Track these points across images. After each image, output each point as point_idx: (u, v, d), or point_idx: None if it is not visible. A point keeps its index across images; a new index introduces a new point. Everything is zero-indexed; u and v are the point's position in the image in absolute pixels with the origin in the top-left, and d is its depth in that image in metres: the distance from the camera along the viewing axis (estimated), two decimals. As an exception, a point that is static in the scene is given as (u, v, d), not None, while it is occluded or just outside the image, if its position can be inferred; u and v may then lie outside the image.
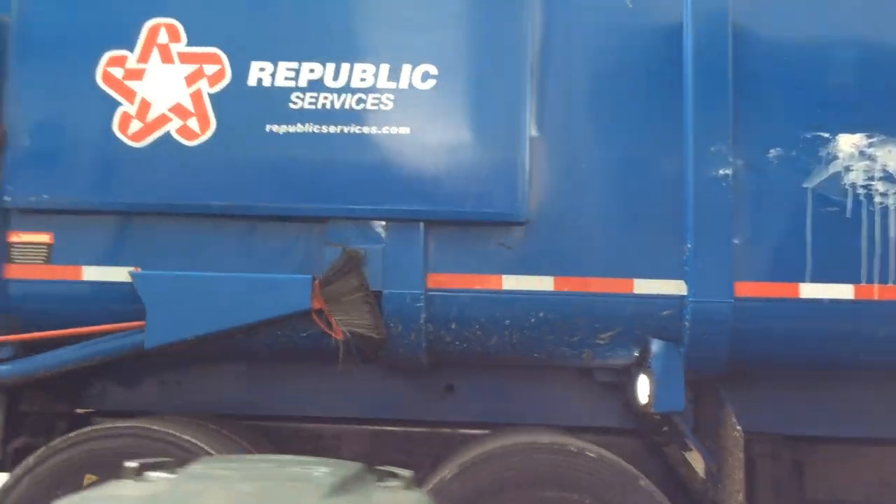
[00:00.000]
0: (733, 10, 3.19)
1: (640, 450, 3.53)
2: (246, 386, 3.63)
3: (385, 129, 3.15)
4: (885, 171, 3.16)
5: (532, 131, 3.16)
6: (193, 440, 3.07)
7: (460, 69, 3.18)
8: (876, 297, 3.11)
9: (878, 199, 3.15)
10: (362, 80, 3.16)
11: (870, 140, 3.16)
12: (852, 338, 3.19)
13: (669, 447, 3.48)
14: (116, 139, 3.17)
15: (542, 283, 3.18)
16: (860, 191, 3.15)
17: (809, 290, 3.15)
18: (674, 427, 3.35)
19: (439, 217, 3.16)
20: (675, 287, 3.15)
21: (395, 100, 3.16)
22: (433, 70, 3.16)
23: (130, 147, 3.17)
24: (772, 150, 3.18)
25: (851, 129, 3.16)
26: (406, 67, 3.16)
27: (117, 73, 3.18)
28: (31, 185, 3.19)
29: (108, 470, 2.75)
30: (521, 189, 3.13)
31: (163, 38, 3.20)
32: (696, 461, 3.48)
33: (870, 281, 3.13)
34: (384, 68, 3.16)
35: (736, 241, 3.13)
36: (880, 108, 3.18)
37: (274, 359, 3.45)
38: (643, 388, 3.23)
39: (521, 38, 3.17)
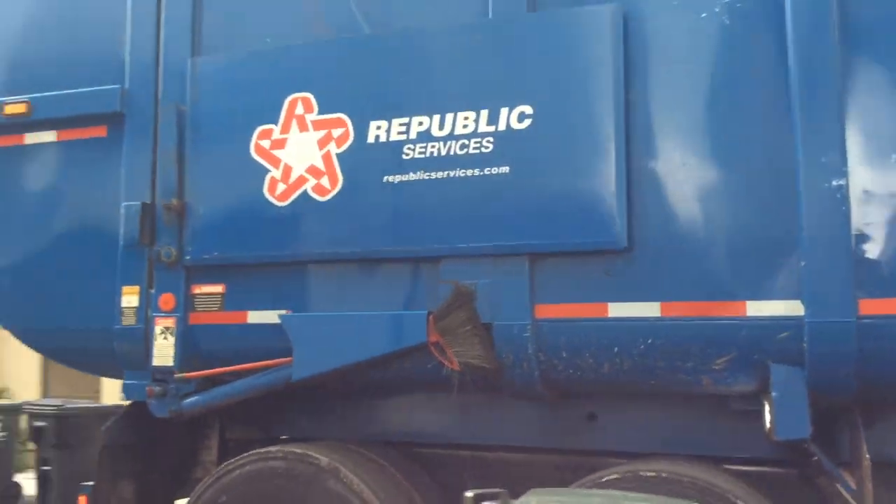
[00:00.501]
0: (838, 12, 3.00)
1: (793, 481, 3.33)
2: (407, 416, 3.94)
3: (487, 171, 3.35)
4: None
5: (627, 160, 3.18)
6: (328, 458, 3.43)
7: (554, 106, 3.30)
8: None
9: None
10: (464, 126, 3.40)
11: None
12: None
13: (820, 478, 3.24)
14: (266, 201, 3.67)
15: (649, 310, 3.17)
16: None
17: (949, 304, 2.83)
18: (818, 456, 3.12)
19: (542, 250, 3.28)
20: (791, 308, 2.98)
21: (494, 142, 3.35)
22: (528, 110, 3.32)
23: (277, 206, 3.65)
24: (893, 155, 2.92)
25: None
26: (504, 110, 3.35)
27: (265, 144, 3.70)
28: (206, 246, 3.78)
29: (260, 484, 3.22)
30: (619, 217, 3.16)
31: (299, 109, 3.67)
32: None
33: None
34: (484, 114, 3.37)
35: (857, 256, 2.90)
36: None
37: (413, 390, 3.73)
38: (767, 415, 3.07)
39: (612, 70, 3.22)
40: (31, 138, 4.24)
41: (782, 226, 3.01)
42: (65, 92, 4.11)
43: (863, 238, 2.92)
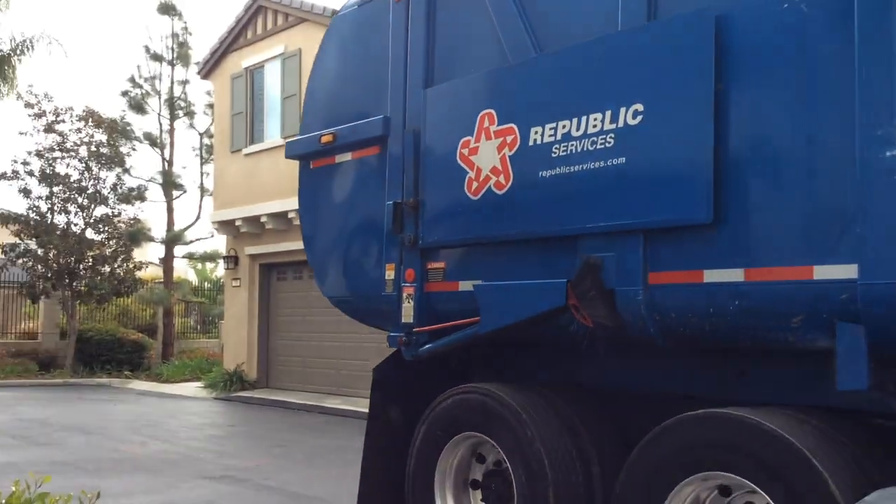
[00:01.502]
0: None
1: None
2: (576, 364, 4.74)
3: (610, 162, 4.04)
4: None
5: (715, 149, 3.64)
6: (506, 397, 4.42)
7: (660, 102, 3.87)
8: None
9: None
10: (594, 126, 4.12)
11: None
12: None
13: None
14: (466, 197, 4.77)
15: (735, 275, 3.61)
16: None
17: None
18: None
19: (652, 226, 3.88)
20: (849, 271, 3.24)
21: (615, 137, 4.03)
22: (640, 108, 3.94)
23: (472, 200, 4.73)
24: (950, 121, 3.02)
25: None
26: (622, 109, 4.01)
27: (465, 151, 4.80)
28: (432, 233, 5.01)
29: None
30: (707, 195, 3.65)
31: (486, 123, 4.70)
32: None
33: None
34: (608, 114, 4.06)
35: (907, 222, 3.07)
36: None
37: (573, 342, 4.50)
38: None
39: (704, 66, 3.70)
40: (339, 158, 5.87)
41: (843, 196, 3.26)
42: (354, 123, 5.64)
43: (916, 204, 3.06)
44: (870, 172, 3.16)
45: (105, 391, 18.87)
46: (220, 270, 27.68)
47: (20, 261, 21.34)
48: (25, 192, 21.61)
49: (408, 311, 5.12)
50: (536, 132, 4.39)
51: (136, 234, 22.98)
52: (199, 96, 39.68)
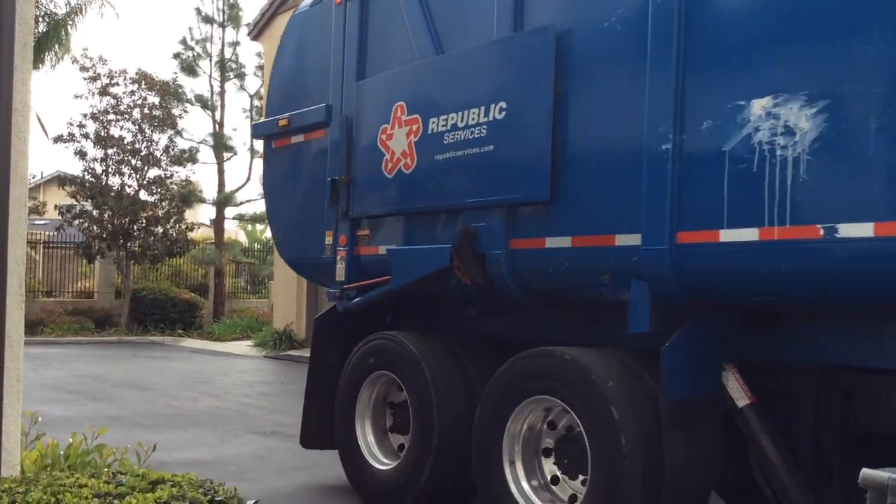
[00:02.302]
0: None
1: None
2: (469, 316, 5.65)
3: (483, 149, 4.94)
4: (786, 127, 3.56)
5: (554, 138, 4.53)
6: (408, 342, 5.37)
7: (517, 101, 4.76)
8: (763, 239, 3.57)
9: (779, 152, 3.57)
10: (473, 119, 5.02)
11: (775, 101, 3.61)
12: (763, 272, 3.66)
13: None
14: (384, 175, 5.69)
15: (565, 242, 4.52)
16: (764, 145, 3.63)
17: (729, 236, 3.76)
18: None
19: (511, 202, 4.79)
20: (636, 239, 4.13)
21: (486, 129, 4.93)
22: (504, 105, 4.83)
23: (388, 179, 5.66)
24: (704, 122, 3.88)
25: (757, 95, 3.66)
26: (492, 106, 4.90)
27: (384, 137, 5.72)
28: (360, 205, 5.94)
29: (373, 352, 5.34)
30: (546, 178, 4.54)
31: (399, 113, 5.61)
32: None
33: (771, 224, 3.58)
34: (482, 109, 4.96)
35: (675, 201, 3.95)
36: (769, 74, 3.59)
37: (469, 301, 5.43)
38: (631, 316, 4.24)
39: (546, 72, 4.57)
40: (294, 140, 6.82)
41: (634, 181, 4.14)
42: (304, 110, 6.57)
43: (682, 178, 3.93)
44: (649, 162, 4.03)
45: (158, 349, 19.11)
46: (269, 232, 28.12)
47: (76, 222, 21.65)
48: (81, 155, 21.79)
49: (340, 271, 6.08)
50: (433, 122, 5.29)
51: (188, 196, 23.13)
52: (250, 58, 39.78)
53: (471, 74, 5.11)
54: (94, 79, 21.91)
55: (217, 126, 24.80)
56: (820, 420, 4.07)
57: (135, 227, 21.83)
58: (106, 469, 3.34)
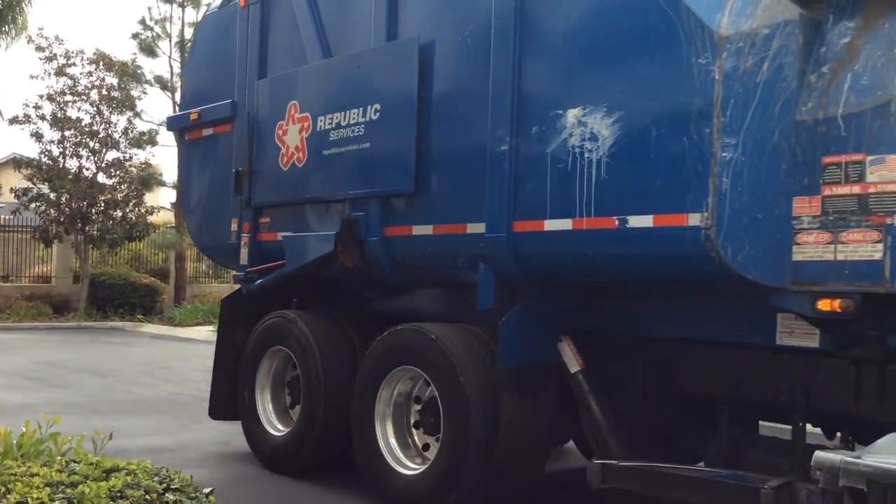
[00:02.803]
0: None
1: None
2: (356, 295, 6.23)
3: (361, 146, 5.52)
4: (591, 132, 4.20)
5: (418, 138, 5.11)
6: (298, 319, 5.95)
7: (389, 103, 5.33)
8: (576, 228, 4.22)
9: (589, 155, 4.21)
10: (353, 118, 5.58)
11: (584, 111, 4.24)
12: (585, 257, 4.31)
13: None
14: (280, 168, 6.23)
15: (428, 230, 5.12)
16: (575, 146, 4.26)
17: (552, 225, 4.40)
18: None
19: (384, 194, 5.37)
20: (482, 228, 4.75)
21: (364, 128, 5.50)
22: (378, 107, 5.41)
23: (283, 171, 6.20)
24: (534, 128, 4.51)
25: (571, 105, 4.29)
26: (369, 107, 5.47)
27: (280, 133, 6.25)
28: (260, 195, 6.46)
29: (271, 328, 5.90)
30: (411, 173, 5.13)
31: (292, 111, 6.15)
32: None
33: (594, 215, 4.22)
34: (360, 110, 5.52)
35: (512, 195, 4.58)
36: (580, 88, 4.23)
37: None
38: (480, 294, 4.87)
39: (411, 78, 5.15)
40: (204, 132, 7.31)
41: (481, 177, 4.75)
42: (212, 105, 7.06)
43: (517, 176, 4.56)
44: (491, 161, 4.65)
45: (118, 334, 18.81)
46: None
47: (33, 205, 21.19)
48: (37, 137, 21.35)
49: (244, 255, 6.62)
50: (321, 120, 5.85)
51: (148, 179, 22.71)
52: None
53: (352, 78, 5.67)
54: (51, 59, 21.46)
55: (177, 108, 24.33)
56: (643, 384, 4.76)
57: (93, 210, 21.40)
58: (60, 457, 3.31)
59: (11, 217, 22.45)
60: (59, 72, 21.39)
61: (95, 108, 21.81)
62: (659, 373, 4.71)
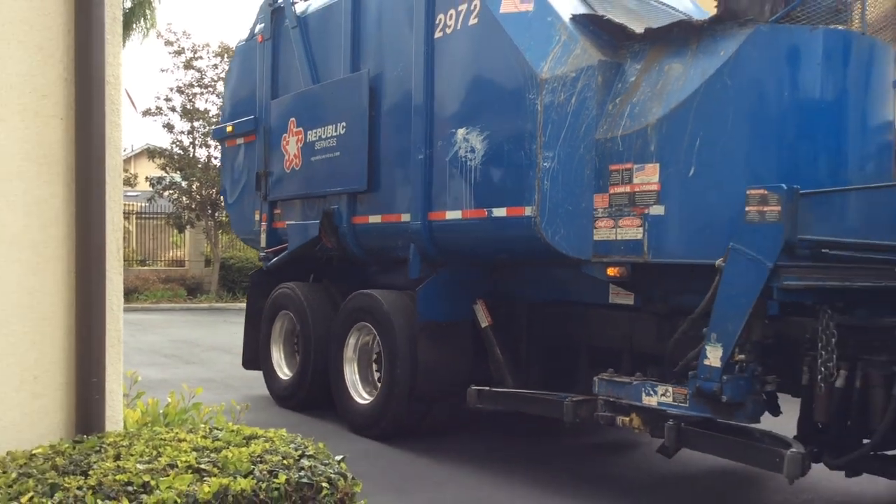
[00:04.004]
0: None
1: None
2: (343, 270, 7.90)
3: (335, 154, 7.16)
4: (470, 146, 5.70)
5: (370, 147, 6.71)
6: (297, 289, 7.66)
7: (351, 121, 6.94)
8: (464, 217, 5.74)
9: (470, 162, 5.72)
10: (329, 132, 7.23)
11: (467, 130, 5.75)
12: (472, 239, 5.82)
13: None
14: (285, 171, 7.94)
15: (378, 219, 6.73)
16: (461, 156, 5.77)
17: (450, 216, 5.92)
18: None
19: (349, 191, 6.99)
20: (408, 217, 6.31)
21: (336, 140, 7.14)
22: (345, 124, 7.03)
23: (287, 173, 7.91)
24: (439, 142, 6.04)
25: (459, 126, 5.80)
26: (339, 124, 7.10)
27: (284, 143, 7.96)
28: (273, 192, 8.19)
29: (281, 296, 7.67)
30: (364, 175, 6.74)
31: (292, 126, 7.84)
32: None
33: (472, 207, 5.73)
34: (334, 126, 7.16)
35: (427, 193, 6.12)
36: (464, 113, 5.73)
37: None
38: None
39: (363, 100, 6.75)
40: (238, 141, 9.11)
41: (408, 178, 6.31)
42: (241, 119, 8.85)
43: (432, 183, 6.09)
44: (413, 166, 6.20)
45: None
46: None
47: (166, 193, 22.06)
48: (169, 128, 22.09)
49: (263, 240, 8.38)
50: (311, 133, 7.52)
51: None
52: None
53: (329, 100, 7.31)
54: (179, 53, 22.10)
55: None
56: (528, 336, 6.25)
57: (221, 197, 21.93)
58: (202, 425, 3.36)
59: (147, 205, 23.32)
60: (187, 65, 22.04)
61: (221, 100, 22.14)
62: (539, 328, 6.18)
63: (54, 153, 3.14)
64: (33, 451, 2.82)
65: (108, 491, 2.39)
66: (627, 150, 4.91)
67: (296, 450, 2.86)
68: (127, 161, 36.12)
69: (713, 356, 4.04)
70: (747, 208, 3.91)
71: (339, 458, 2.90)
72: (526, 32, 5.39)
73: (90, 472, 2.53)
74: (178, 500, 2.38)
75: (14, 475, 2.55)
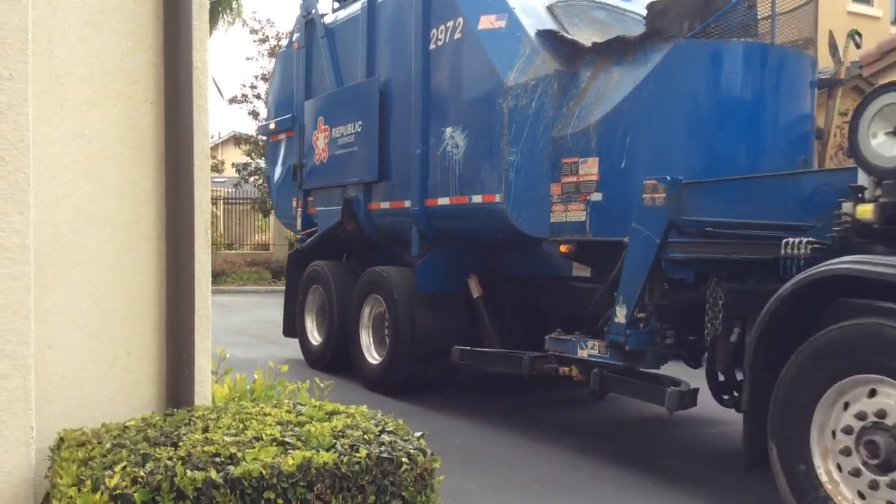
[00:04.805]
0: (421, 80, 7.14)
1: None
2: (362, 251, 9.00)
3: (353, 149, 8.24)
4: (455, 143, 6.70)
5: (380, 144, 7.77)
6: (325, 266, 8.80)
7: (366, 120, 8.01)
8: (451, 203, 6.76)
9: (454, 157, 6.73)
10: (350, 130, 8.31)
11: (453, 129, 6.75)
12: (458, 221, 6.83)
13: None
14: (315, 163, 9.07)
15: (387, 205, 7.79)
16: (448, 151, 6.78)
17: (441, 202, 6.95)
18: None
19: (365, 181, 8.07)
20: (410, 203, 7.36)
21: (354, 136, 8.22)
22: (361, 122, 8.11)
23: (317, 165, 9.04)
24: (432, 139, 7.06)
25: (447, 125, 6.81)
26: (357, 123, 8.18)
27: (314, 138, 9.09)
28: (307, 181, 9.34)
29: (312, 273, 8.88)
30: (376, 167, 7.80)
31: (321, 123, 8.96)
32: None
33: (457, 195, 6.74)
34: (353, 124, 8.25)
35: (424, 182, 7.15)
36: (451, 115, 6.73)
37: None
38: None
39: (374, 103, 7.82)
40: (280, 137, 10.29)
41: (410, 170, 7.35)
42: (282, 117, 10.02)
43: (427, 174, 7.12)
44: (412, 160, 7.23)
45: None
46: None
47: (252, 178, 22.51)
48: (254, 115, 22.26)
49: (299, 223, 9.56)
50: (335, 130, 8.63)
51: None
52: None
53: (349, 101, 8.40)
54: (263, 41, 22.27)
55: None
56: (511, 305, 7.23)
57: None
58: (287, 401, 3.41)
59: (233, 190, 23.85)
60: (271, 53, 21.98)
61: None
62: (520, 298, 7.16)
63: (145, 137, 3.20)
64: (126, 424, 2.89)
65: (197, 462, 2.46)
66: (575, 146, 5.84)
67: (376, 426, 2.92)
68: (214, 148, 35.64)
69: (620, 314, 4.97)
70: (643, 195, 4.81)
71: (418, 434, 2.94)
72: (498, 46, 6.35)
73: (180, 444, 2.61)
74: (264, 472, 2.46)
75: (108, 445, 2.63)
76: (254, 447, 2.59)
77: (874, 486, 3.52)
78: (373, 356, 7.90)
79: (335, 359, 8.66)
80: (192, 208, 3.25)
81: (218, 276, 20.02)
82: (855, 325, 3.49)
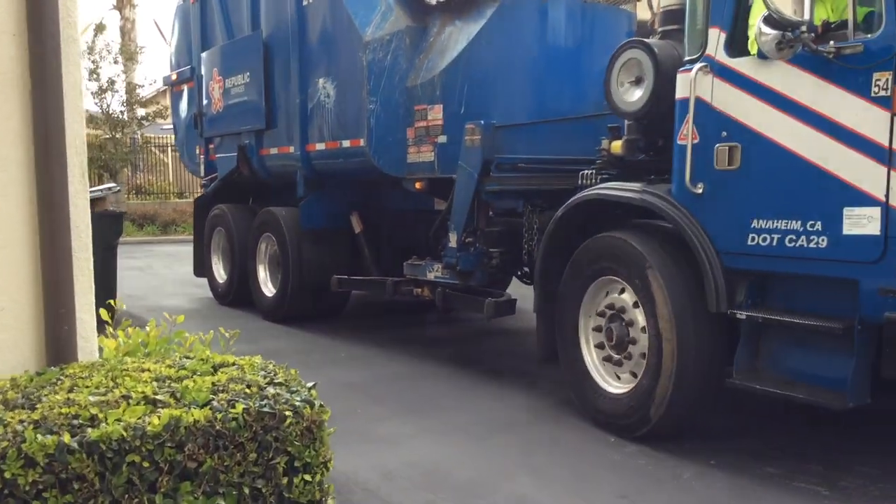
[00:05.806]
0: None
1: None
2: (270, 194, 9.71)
3: (244, 98, 8.87)
4: (327, 92, 7.41)
5: (266, 95, 8.42)
6: (225, 209, 9.49)
7: (253, 72, 8.64)
8: (327, 148, 7.49)
9: (327, 105, 7.44)
10: (239, 80, 8.93)
11: (324, 80, 7.45)
12: (333, 164, 7.58)
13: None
14: (213, 112, 9.67)
15: (275, 150, 8.49)
16: (322, 100, 7.49)
17: (318, 147, 7.68)
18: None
19: (256, 129, 8.72)
20: (294, 149, 8.06)
21: (244, 87, 8.85)
22: (248, 73, 8.73)
23: (214, 114, 9.64)
24: (309, 89, 7.75)
25: (320, 76, 7.50)
26: (246, 73, 8.80)
27: (211, 89, 9.67)
28: (207, 129, 9.92)
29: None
30: (263, 115, 8.47)
31: (215, 74, 9.53)
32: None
33: (330, 140, 7.47)
34: (243, 75, 8.86)
35: (304, 129, 7.86)
36: (322, 67, 7.43)
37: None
38: (302, 189, 8.24)
39: (258, 55, 8.44)
40: (182, 87, 10.80)
41: (293, 117, 8.03)
42: (183, 69, 10.52)
43: (305, 118, 7.82)
44: (294, 108, 7.92)
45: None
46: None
47: None
48: None
49: (202, 170, 10.19)
50: (228, 81, 9.22)
51: None
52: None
53: (237, 54, 8.99)
54: None
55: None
56: (388, 238, 8.05)
57: None
58: (177, 355, 3.18)
59: None
60: None
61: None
62: (395, 231, 7.99)
63: (8, 72, 2.94)
64: None
65: (51, 425, 2.29)
66: (425, 94, 6.61)
67: (264, 377, 2.74)
68: (162, 94, 36.30)
69: (452, 239, 5.84)
70: (465, 137, 5.64)
71: (310, 384, 2.77)
72: (358, 3, 7.03)
73: (38, 406, 2.42)
74: (125, 434, 2.28)
75: (-37, 409, 2.39)
76: (119, 407, 2.43)
77: (609, 359, 4.48)
78: (269, 289, 8.69)
79: (239, 294, 9.42)
80: (64, 147, 2.97)
81: (168, 226, 20.05)
82: (596, 239, 4.39)
